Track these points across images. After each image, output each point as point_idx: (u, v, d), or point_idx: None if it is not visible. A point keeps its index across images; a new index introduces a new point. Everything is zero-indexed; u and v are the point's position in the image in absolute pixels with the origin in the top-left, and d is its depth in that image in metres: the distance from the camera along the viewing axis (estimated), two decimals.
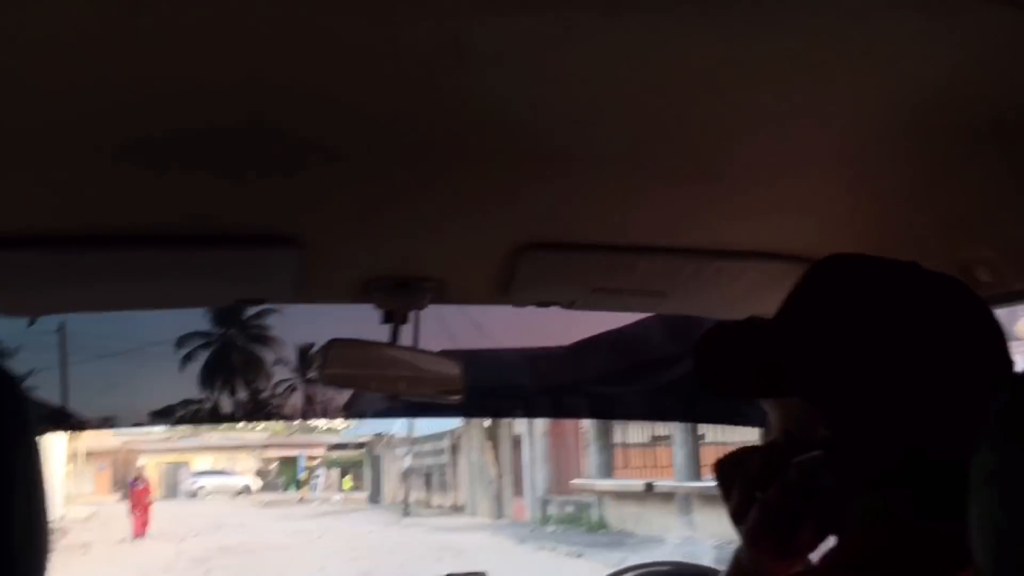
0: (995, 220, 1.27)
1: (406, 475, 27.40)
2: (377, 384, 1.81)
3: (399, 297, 1.67)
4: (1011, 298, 1.35)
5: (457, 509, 24.74)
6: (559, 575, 12.49)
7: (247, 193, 1.30)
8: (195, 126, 1.08)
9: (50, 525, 0.75)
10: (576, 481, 18.12)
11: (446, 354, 1.88)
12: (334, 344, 1.72)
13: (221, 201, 1.33)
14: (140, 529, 20.84)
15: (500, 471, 22.37)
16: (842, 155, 1.21)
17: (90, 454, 37.59)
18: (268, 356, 14.71)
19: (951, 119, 1.08)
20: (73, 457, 33.39)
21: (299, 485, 39.36)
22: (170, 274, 1.55)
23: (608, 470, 17.24)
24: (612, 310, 1.98)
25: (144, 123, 1.06)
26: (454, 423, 24.69)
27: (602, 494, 17.52)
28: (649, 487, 15.52)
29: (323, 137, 1.13)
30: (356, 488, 37.44)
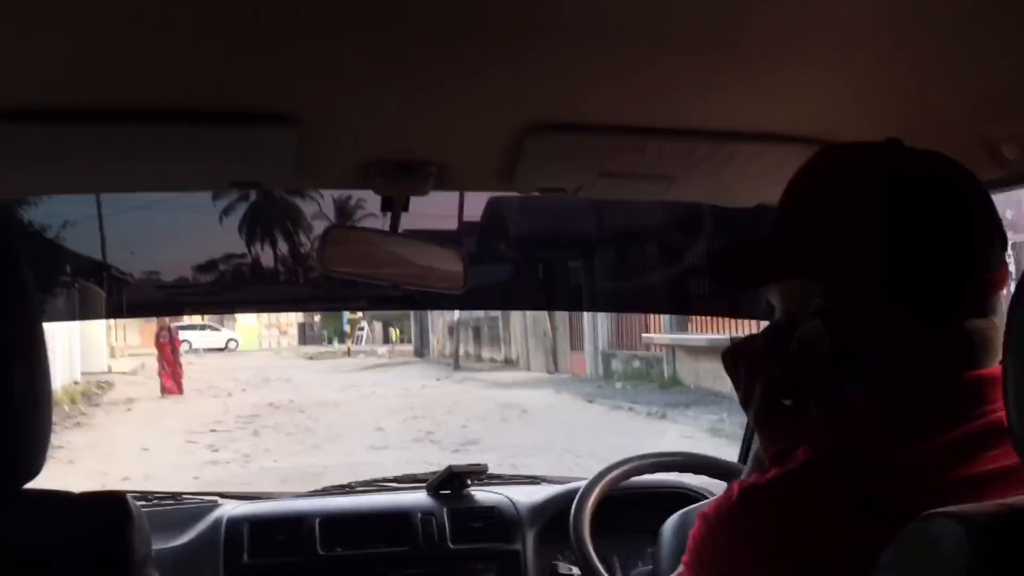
0: (1020, 95, 1.24)
1: (455, 328, 26.15)
2: (376, 274, 1.80)
3: (400, 181, 1.61)
4: None
5: (510, 363, 23.49)
6: (648, 440, 10.94)
7: (241, 68, 1.24)
8: None
9: (50, 388, 0.95)
10: (648, 335, 16.69)
11: (448, 245, 1.84)
12: (332, 231, 1.89)
13: (214, 76, 1.26)
14: (169, 384, 19.21)
15: (554, 323, 21.02)
16: (863, 28, 1.13)
17: None
18: (308, 208, 13.54)
19: None
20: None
21: (343, 338, 38.88)
22: (161, 153, 1.49)
23: (682, 323, 15.74)
24: (619, 196, 2.10)
25: None
26: None
27: (674, 348, 16.07)
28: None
29: (319, 9, 1.06)
30: (402, 341, 36.80)
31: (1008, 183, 1.43)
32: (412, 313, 31.84)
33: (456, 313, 25.55)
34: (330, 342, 40.35)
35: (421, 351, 30.73)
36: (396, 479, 2.49)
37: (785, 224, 1.02)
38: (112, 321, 30.93)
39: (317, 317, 43.01)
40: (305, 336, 42.31)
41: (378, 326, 40.47)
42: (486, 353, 25.54)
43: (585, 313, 18.49)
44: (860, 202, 0.96)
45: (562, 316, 20.55)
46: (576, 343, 20.02)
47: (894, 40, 1.16)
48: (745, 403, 1.04)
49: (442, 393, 17.73)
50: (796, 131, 1.49)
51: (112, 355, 29.06)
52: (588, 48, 1.18)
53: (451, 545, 2.21)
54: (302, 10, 1.06)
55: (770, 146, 1.53)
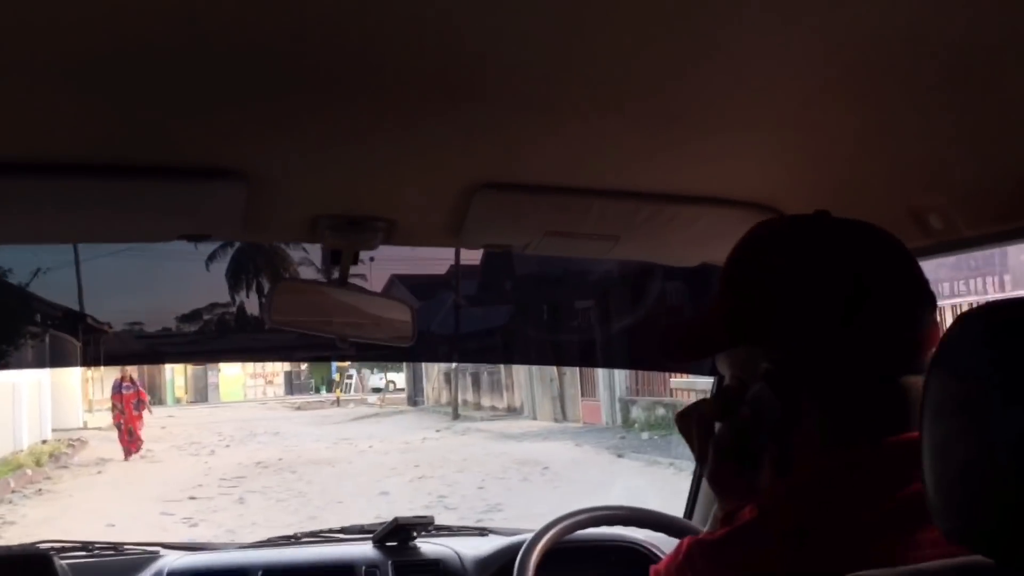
0: (946, 168, 1.27)
1: (453, 375, 24.35)
2: (325, 327, 1.75)
3: (348, 236, 1.57)
4: (962, 245, 1.37)
5: (513, 411, 21.68)
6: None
7: (190, 124, 1.22)
8: (135, 48, 1.00)
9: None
10: (677, 379, 14.98)
11: (397, 298, 1.87)
12: (282, 285, 2.00)
13: (163, 131, 1.24)
14: (128, 445, 16.31)
15: (561, 369, 19.32)
16: (799, 100, 1.18)
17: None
18: (293, 255, 14.04)
19: (908, 63, 1.06)
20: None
21: (332, 386, 37.20)
22: (109, 206, 1.45)
23: (714, 367, 14.05)
24: (566, 254, 1.93)
25: (83, 45, 0.98)
26: None
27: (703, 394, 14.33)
28: None
29: (270, 66, 1.06)
30: (393, 389, 35.12)
31: (934, 251, 1.44)
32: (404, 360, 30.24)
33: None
34: (318, 391, 38.72)
35: (415, 399, 28.91)
36: (342, 529, 2.40)
37: (728, 296, 1.03)
38: (90, 373, 29.32)
39: (304, 366, 41.44)
40: (292, 385, 40.66)
41: (367, 373, 38.82)
42: (486, 401, 23.68)
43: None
44: (796, 271, 0.98)
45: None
46: (587, 389, 18.31)
47: (827, 111, 1.20)
48: (700, 464, 1.06)
49: (446, 447, 15.96)
50: (735, 195, 1.51)
51: (89, 409, 27.17)
52: (533, 112, 1.21)
53: None
54: (250, 68, 1.05)
55: (710, 208, 1.53)
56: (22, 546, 2.13)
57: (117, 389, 17.36)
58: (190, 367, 37.95)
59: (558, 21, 0.97)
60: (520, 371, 21.11)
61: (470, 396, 24.39)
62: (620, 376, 16.66)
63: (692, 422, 1.08)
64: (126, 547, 2.25)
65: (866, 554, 0.85)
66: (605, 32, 0.99)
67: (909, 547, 0.86)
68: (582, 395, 18.59)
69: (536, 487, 11.01)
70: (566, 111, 1.21)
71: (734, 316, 1.01)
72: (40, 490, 12.60)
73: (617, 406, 16.95)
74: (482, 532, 2.43)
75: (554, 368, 19.35)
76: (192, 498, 11.33)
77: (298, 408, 30.83)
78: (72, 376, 23.16)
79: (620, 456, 13.42)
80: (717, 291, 1.06)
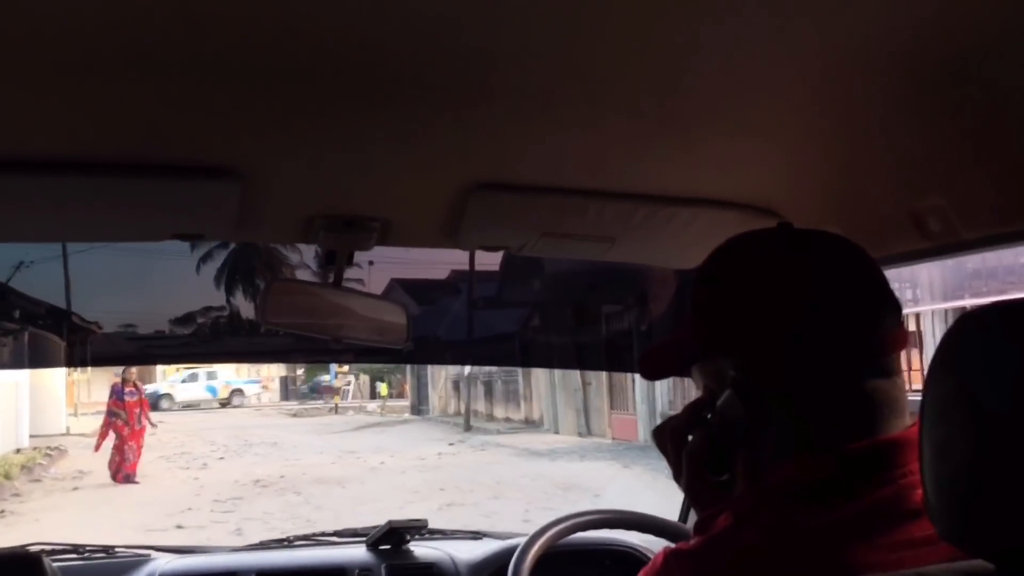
0: (945, 170, 1.25)
1: (465, 382, 22.35)
2: (318, 328, 1.73)
3: (343, 236, 1.54)
4: (961, 247, 1.34)
5: (531, 423, 19.72)
6: None
7: (185, 122, 1.19)
8: (130, 46, 0.99)
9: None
10: None
11: (391, 300, 1.82)
12: (274, 285, 1.77)
13: (158, 129, 1.21)
14: (123, 466, 13.07)
15: (586, 378, 17.40)
16: (798, 102, 1.17)
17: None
18: (291, 257, 13.15)
19: (906, 65, 1.05)
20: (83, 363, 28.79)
21: (324, 392, 35.28)
22: (102, 204, 1.42)
23: None
24: (561, 255, 1.87)
25: (77, 43, 0.97)
26: None
27: None
28: None
29: (265, 65, 1.05)
30: (393, 396, 33.21)
31: (932, 254, 1.41)
32: (408, 366, 28.35)
33: (466, 367, 21.86)
34: (314, 397, 36.82)
35: (418, 408, 26.98)
36: (336, 533, 2.35)
37: (696, 308, 1.04)
38: (77, 374, 27.43)
39: (300, 371, 39.65)
40: (287, 391, 38.66)
41: (365, 380, 36.89)
42: (500, 411, 21.66)
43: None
44: (757, 281, 0.99)
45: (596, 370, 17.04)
46: (618, 402, 16.39)
47: (826, 113, 1.19)
48: (676, 477, 1.05)
49: (466, 464, 14.01)
50: (732, 197, 1.49)
51: (75, 412, 25.17)
52: (530, 111, 1.19)
53: None
54: (245, 66, 1.04)
55: (707, 211, 1.51)
56: (11, 548, 1.89)
57: (118, 395, 13.57)
58: (181, 371, 36.20)
59: (556, 22, 0.96)
60: (540, 380, 19.17)
61: (481, 406, 22.41)
62: (660, 387, 14.73)
63: (666, 436, 1.05)
64: (117, 550, 2.19)
65: (841, 559, 0.85)
66: (603, 33, 0.99)
67: (883, 549, 0.86)
68: (611, 407, 16.67)
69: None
70: (563, 111, 1.19)
71: (701, 328, 1.02)
72: (2, 511, 10.61)
73: (659, 421, 15.02)
74: (476, 536, 2.38)
75: (578, 377, 17.48)
76: (179, 527, 9.38)
77: (294, 415, 29.19)
78: (55, 377, 21.17)
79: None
80: (687, 310, 1.06)
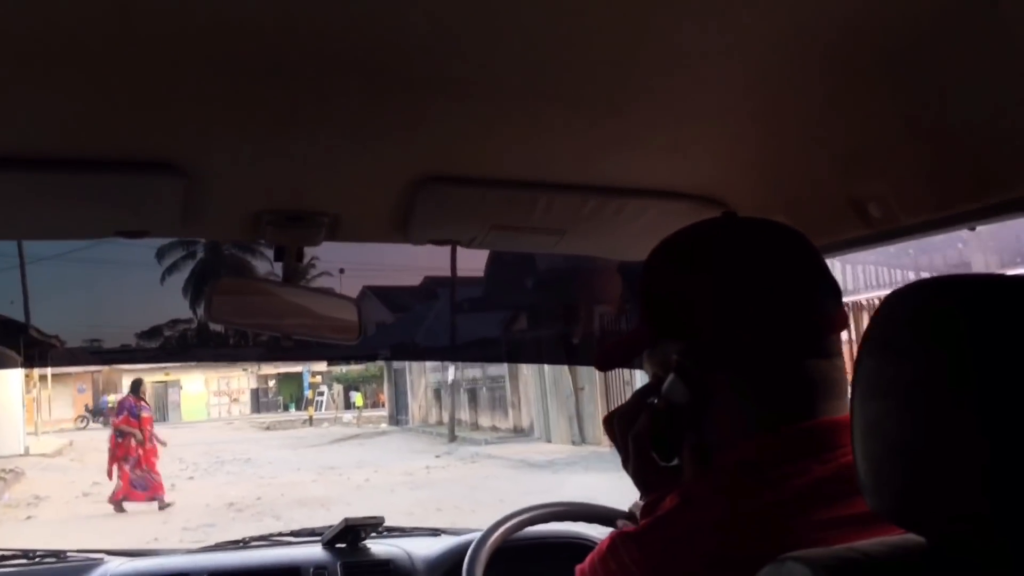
0: (885, 157, 1.25)
1: (449, 390, 21.09)
2: (267, 325, 1.72)
3: (291, 232, 1.51)
4: (900, 233, 1.36)
5: (520, 432, 18.51)
6: None
7: (126, 116, 1.15)
8: (65, 37, 0.95)
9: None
10: None
11: (342, 296, 1.80)
12: (221, 283, 1.69)
13: (98, 123, 1.17)
14: (132, 493, 11.28)
15: (580, 382, 16.26)
16: (744, 91, 1.17)
17: (65, 375, 31.50)
18: (260, 268, 12.65)
19: (844, 53, 1.06)
20: (43, 379, 27.31)
21: (303, 404, 33.95)
22: (44, 201, 1.38)
23: None
24: (512, 249, 1.89)
25: (9, 35, 0.94)
26: None
27: None
28: None
29: (207, 56, 1.01)
30: (373, 405, 31.97)
31: (874, 240, 1.43)
32: (385, 374, 27.16)
33: (449, 372, 20.62)
34: (286, 409, 35.50)
35: (397, 418, 25.69)
36: (292, 533, 2.33)
37: (642, 298, 1.06)
38: (35, 391, 25.94)
39: (272, 382, 38.18)
40: (259, 403, 37.31)
41: (339, 389, 35.61)
42: (486, 420, 20.40)
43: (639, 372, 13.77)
44: (701, 266, 1.00)
45: (589, 374, 15.93)
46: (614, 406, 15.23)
47: (768, 100, 1.19)
48: (625, 464, 1.06)
49: (459, 478, 12.80)
50: (680, 188, 1.49)
51: (35, 432, 23.68)
52: (477, 103, 1.17)
53: None
54: (186, 58, 1.01)
55: (657, 202, 1.51)
56: None
57: (131, 411, 11.79)
58: (150, 384, 34.79)
59: (499, 11, 0.95)
60: (529, 386, 18.00)
61: (465, 414, 21.18)
62: None
63: (614, 423, 1.07)
64: (68, 554, 2.14)
65: (781, 537, 0.85)
66: (548, 22, 0.98)
67: (822, 527, 0.87)
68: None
69: None
70: (511, 104, 1.18)
71: (646, 314, 1.04)
72: None
73: None
74: (434, 532, 2.36)
75: (569, 382, 16.35)
76: None
77: (267, 428, 27.91)
78: (11, 393, 19.69)
79: None
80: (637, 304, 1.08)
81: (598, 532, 2.08)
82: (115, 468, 11.43)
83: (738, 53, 1.06)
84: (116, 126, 1.18)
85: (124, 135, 1.20)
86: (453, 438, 19.13)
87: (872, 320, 0.72)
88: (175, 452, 18.02)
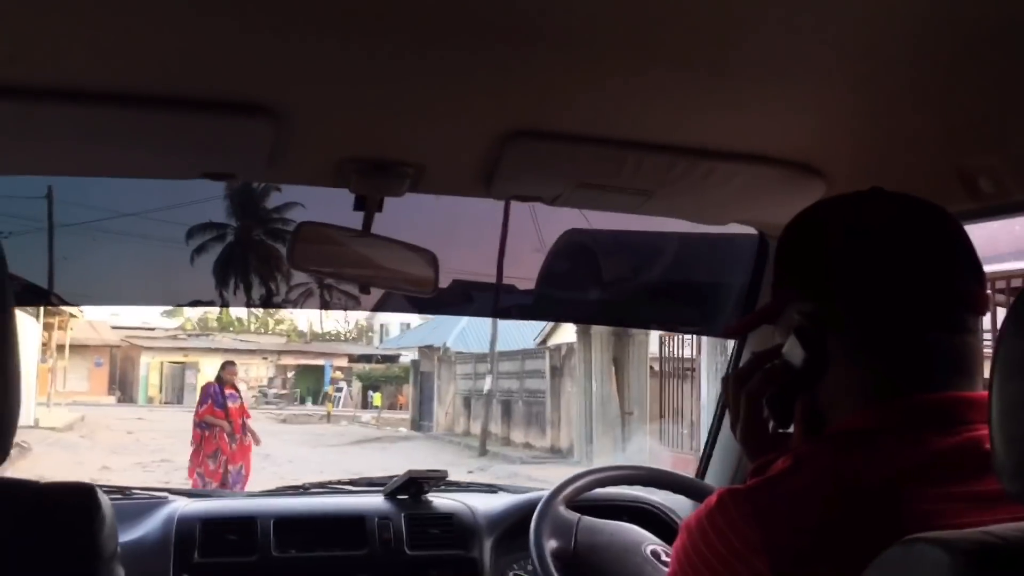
0: (1001, 128, 1.21)
1: (484, 399, 19.72)
2: (346, 272, 1.74)
3: (375, 181, 1.51)
4: (1011, 209, 1.31)
5: (557, 453, 17.07)
6: None
7: (223, 56, 1.16)
8: None
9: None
10: None
11: (419, 248, 1.73)
12: (303, 227, 1.66)
13: (194, 62, 1.17)
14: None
15: (629, 406, 14.97)
16: (848, 53, 1.12)
17: (83, 346, 30.46)
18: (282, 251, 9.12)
19: (961, 20, 1.00)
20: (60, 349, 26.25)
21: (321, 399, 32.76)
22: (133, 139, 1.38)
23: None
24: (596, 208, 1.82)
25: None
26: (561, 337, 17.29)
27: None
28: None
29: (305, 1, 1.02)
30: (389, 407, 30.72)
31: (981, 215, 1.37)
32: (411, 377, 25.89)
33: (486, 382, 19.29)
34: (303, 402, 34.32)
35: (419, 423, 24.36)
36: (351, 482, 2.35)
37: (776, 261, 1.07)
38: (52, 361, 24.93)
39: (290, 374, 37.02)
40: (267, 395, 35.93)
41: (357, 387, 34.42)
42: (519, 436, 18.93)
43: (705, 394, 12.39)
44: (836, 232, 1.00)
45: (639, 397, 14.64)
46: (670, 437, 13.82)
47: (877, 67, 1.14)
48: (733, 426, 1.06)
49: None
50: (774, 153, 1.46)
51: (47, 402, 22.58)
52: (575, 57, 1.15)
53: (408, 551, 2.08)
54: (288, 2, 1.02)
55: (748, 166, 1.48)
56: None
57: (215, 399, 9.85)
58: (166, 364, 33.77)
59: None
60: (572, 405, 16.67)
61: (496, 427, 19.81)
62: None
63: (729, 382, 1.07)
64: (134, 492, 2.16)
65: (895, 510, 0.84)
66: None
67: (939, 501, 0.85)
68: (661, 442, 14.16)
69: None
70: (609, 58, 1.14)
71: (778, 278, 1.05)
72: None
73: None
74: (492, 489, 2.37)
75: (617, 404, 15.06)
76: None
77: (283, 420, 26.67)
78: (25, 359, 18.56)
79: None
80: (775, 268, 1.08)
81: (662, 498, 2.13)
82: (197, 470, 9.66)
83: (845, 14, 1.01)
84: (214, 65, 1.16)
85: (221, 75, 1.19)
86: (484, 452, 17.78)
87: (1019, 296, 0.70)
88: (188, 436, 16.87)
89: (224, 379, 10.27)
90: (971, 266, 0.97)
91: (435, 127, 1.37)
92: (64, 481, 1.09)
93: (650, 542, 1.87)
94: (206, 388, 10.56)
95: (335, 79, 1.21)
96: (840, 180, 1.22)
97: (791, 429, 1.01)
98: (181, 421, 21.12)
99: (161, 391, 33.31)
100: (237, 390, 10.32)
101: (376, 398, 32.15)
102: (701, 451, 2.36)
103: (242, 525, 2.01)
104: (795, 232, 1.05)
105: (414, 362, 25.99)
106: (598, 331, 15.38)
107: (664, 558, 1.82)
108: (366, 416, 28.53)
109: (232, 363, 10.80)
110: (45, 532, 0.93)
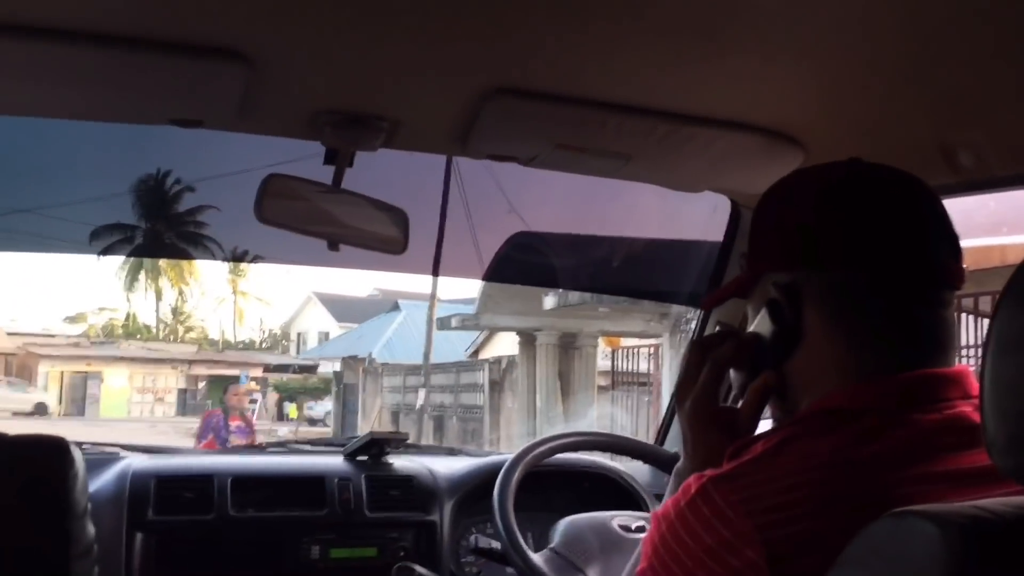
0: (985, 102, 1.20)
1: (415, 414, 18.32)
2: (313, 228, 1.65)
3: (348, 133, 1.47)
4: (991, 184, 1.29)
5: None
6: None
7: None
8: None
9: None
10: None
11: (390, 205, 1.67)
12: (272, 180, 1.60)
13: (166, 3, 1.13)
14: None
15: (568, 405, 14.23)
16: (832, 22, 1.10)
17: None
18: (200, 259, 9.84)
19: None
20: None
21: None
22: (101, 80, 1.32)
23: None
24: (573, 171, 1.77)
25: None
26: (495, 349, 16.15)
27: None
28: None
29: None
30: (305, 420, 29.09)
31: (960, 189, 1.36)
32: (334, 387, 24.40)
33: (420, 396, 17.92)
34: None
35: (342, 436, 22.80)
36: (311, 442, 2.33)
37: (752, 232, 1.03)
38: None
39: (201, 384, 34.95)
40: (185, 405, 33.91)
41: (272, 399, 32.62)
42: None
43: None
44: (812, 203, 0.97)
45: (587, 413, 13.66)
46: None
47: (861, 37, 1.13)
48: (682, 390, 1.05)
49: None
50: (756, 120, 1.45)
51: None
52: (560, 15, 1.13)
53: (367, 512, 2.05)
54: None
55: (729, 132, 1.47)
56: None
57: (217, 434, 7.69)
58: (68, 374, 31.45)
59: None
60: (512, 423, 15.51)
61: (425, 442, 18.47)
62: None
63: (690, 349, 1.06)
64: (85, 445, 2.02)
65: (884, 489, 0.83)
66: None
67: (925, 481, 0.84)
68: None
69: None
70: (594, 16, 1.12)
71: (762, 246, 1.01)
72: None
73: None
74: (452, 452, 2.37)
75: (560, 406, 14.12)
76: None
77: (190, 432, 24.70)
78: None
79: None
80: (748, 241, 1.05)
81: (623, 465, 2.14)
82: None
83: None
84: (186, 5, 1.12)
85: (192, 16, 1.15)
86: None
87: (1015, 272, 0.68)
88: None
89: (231, 406, 8.18)
90: (948, 239, 0.96)
91: (414, 81, 1.34)
92: (34, 433, 1.01)
93: (614, 517, 1.83)
94: (207, 418, 8.36)
95: (311, 26, 1.16)
96: (818, 150, 1.24)
97: (739, 404, 0.99)
98: (83, 436, 19.27)
99: (61, 403, 30.92)
100: (248, 422, 8.05)
101: (291, 410, 30.49)
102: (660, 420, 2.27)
103: (198, 483, 1.96)
104: (772, 200, 1.03)
105: (336, 373, 24.43)
106: (543, 343, 14.30)
107: (635, 527, 1.78)
108: (283, 430, 26.81)
109: (237, 382, 8.95)
110: (16, 487, 0.91)
